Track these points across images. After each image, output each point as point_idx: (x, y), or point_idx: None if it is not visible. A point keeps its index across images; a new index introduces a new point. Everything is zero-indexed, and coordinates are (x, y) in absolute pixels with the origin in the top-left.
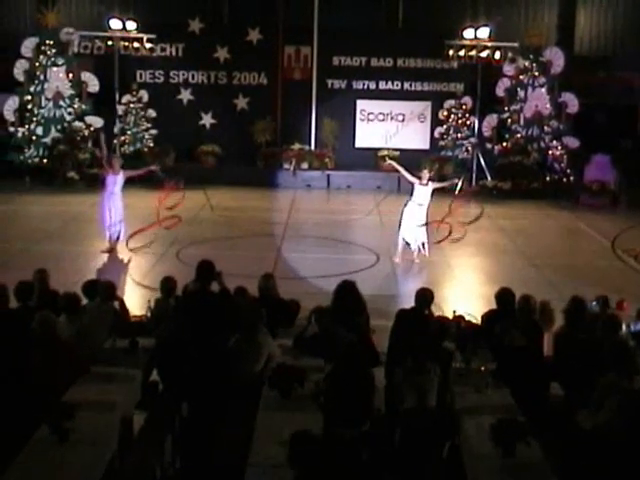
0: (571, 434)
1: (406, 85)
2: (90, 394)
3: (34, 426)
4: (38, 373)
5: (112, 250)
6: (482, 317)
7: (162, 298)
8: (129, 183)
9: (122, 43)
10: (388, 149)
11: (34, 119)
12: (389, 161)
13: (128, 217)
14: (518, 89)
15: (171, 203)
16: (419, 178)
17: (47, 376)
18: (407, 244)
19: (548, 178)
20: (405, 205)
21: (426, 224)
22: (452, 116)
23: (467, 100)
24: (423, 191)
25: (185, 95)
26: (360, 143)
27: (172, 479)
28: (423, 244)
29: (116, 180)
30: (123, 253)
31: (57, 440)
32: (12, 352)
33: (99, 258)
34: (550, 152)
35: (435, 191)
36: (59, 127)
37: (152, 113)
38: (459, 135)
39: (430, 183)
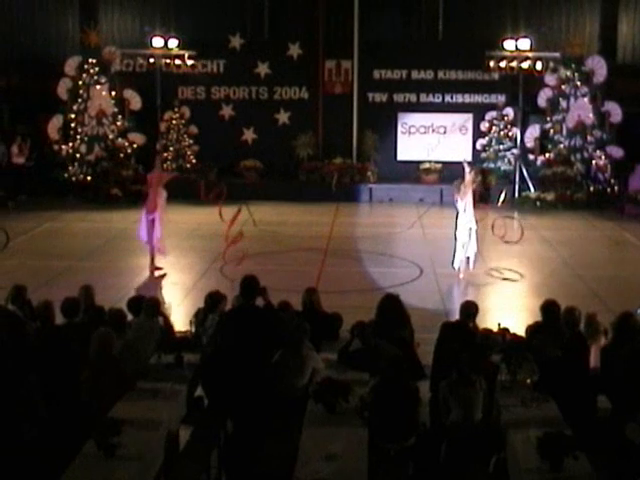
0: (620, 448)
1: (447, 97)
2: (136, 409)
3: (81, 442)
4: (87, 389)
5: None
6: (527, 329)
7: (207, 313)
8: (172, 197)
9: (164, 60)
10: (430, 162)
11: (78, 137)
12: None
13: (170, 232)
14: (560, 99)
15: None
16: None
17: (95, 393)
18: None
19: (592, 188)
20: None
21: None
22: (494, 128)
23: (509, 111)
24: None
25: (227, 111)
26: (402, 156)
27: None
28: (468, 258)
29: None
30: (167, 269)
31: (103, 455)
32: (58, 368)
33: (143, 274)
34: (594, 162)
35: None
36: (102, 145)
37: (194, 129)
38: (501, 147)
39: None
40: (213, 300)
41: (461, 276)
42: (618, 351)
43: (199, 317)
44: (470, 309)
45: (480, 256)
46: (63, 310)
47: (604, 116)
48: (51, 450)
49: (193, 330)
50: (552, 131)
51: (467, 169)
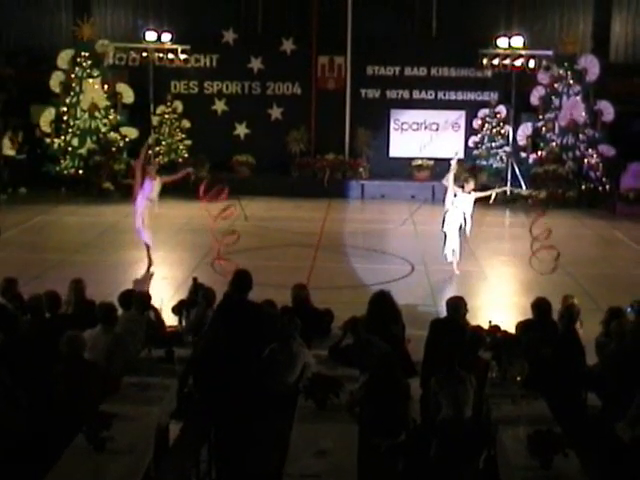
0: (610, 446)
1: (440, 94)
2: (126, 403)
3: (68, 436)
4: (62, 385)
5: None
6: (517, 326)
7: (199, 307)
8: (163, 191)
9: (157, 54)
10: (422, 158)
11: (70, 130)
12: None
13: (160, 227)
14: (553, 97)
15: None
16: (462, 187)
17: (74, 394)
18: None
19: (584, 187)
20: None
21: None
22: (486, 125)
23: (501, 109)
24: (466, 200)
25: (219, 105)
26: (394, 152)
27: None
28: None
29: (153, 186)
30: (157, 264)
31: (93, 449)
32: (46, 361)
33: (134, 268)
34: (586, 160)
35: (476, 201)
36: (94, 138)
37: (186, 124)
38: (493, 144)
39: (472, 192)
40: (210, 295)
41: (457, 272)
42: (608, 348)
43: (197, 314)
44: (458, 305)
45: (472, 253)
46: (45, 304)
47: (596, 115)
48: (38, 443)
49: (183, 324)
50: (544, 129)
51: (453, 164)
